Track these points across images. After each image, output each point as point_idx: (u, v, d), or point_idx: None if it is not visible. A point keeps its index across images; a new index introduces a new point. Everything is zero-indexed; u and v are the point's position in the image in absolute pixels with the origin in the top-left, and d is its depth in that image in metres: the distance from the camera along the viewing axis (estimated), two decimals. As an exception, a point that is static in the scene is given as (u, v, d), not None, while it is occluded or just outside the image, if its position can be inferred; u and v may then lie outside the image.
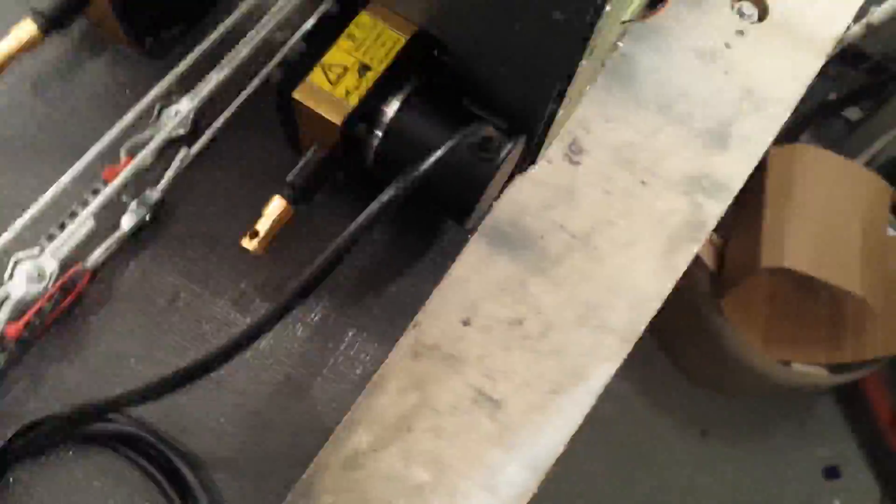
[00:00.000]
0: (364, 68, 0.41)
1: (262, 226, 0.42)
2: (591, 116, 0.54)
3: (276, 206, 0.42)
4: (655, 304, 0.49)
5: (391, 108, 0.41)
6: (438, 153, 0.35)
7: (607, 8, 0.35)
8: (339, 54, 0.42)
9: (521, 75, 0.40)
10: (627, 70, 0.56)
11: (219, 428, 0.43)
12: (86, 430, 0.41)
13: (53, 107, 0.50)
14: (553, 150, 0.53)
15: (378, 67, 0.41)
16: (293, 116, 0.43)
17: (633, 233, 0.51)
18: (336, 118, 0.40)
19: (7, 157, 0.48)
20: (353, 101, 0.41)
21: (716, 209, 0.52)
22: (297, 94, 0.41)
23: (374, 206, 0.34)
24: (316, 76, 0.41)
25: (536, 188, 0.52)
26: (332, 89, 0.41)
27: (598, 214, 0.51)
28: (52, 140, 0.49)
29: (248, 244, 0.42)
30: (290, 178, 0.42)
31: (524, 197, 0.51)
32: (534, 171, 0.52)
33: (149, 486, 0.42)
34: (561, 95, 0.41)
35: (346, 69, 0.41)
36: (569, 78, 0.39)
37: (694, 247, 0.51)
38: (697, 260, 1.19)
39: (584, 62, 0.39)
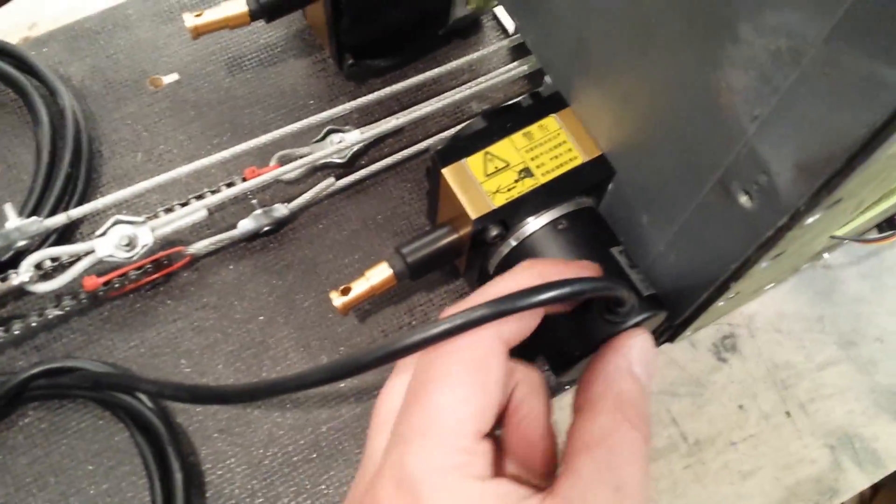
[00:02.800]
0: (525, 172, 0.37)
1: (357, 288, 0.39)
2: (760, 318, 0.47)
3: (379, 272, 0.39)
4: (742, 558, 0.41)
5: (537, 223, 0.37)
6: (555, 293, 0.30)
7: (809, 220, 0.29)
8: (508, 149, 0.38)
9: (685, 248, 0.35)
10: (825, 287, 0.48)
11: (233, 463, 0.40)
12: (108, 396, 0.39)
13: (239, 88, 0.50)
14: (702, 336, 0.46)
15: (540, 178, 0.37)
16: (438, 189, 0.39)
17: (752, 465, 0.43)
18: (472, 212, 0.36)
19: (177, 118, 0.49)
20: (499, 201, 0.37)
21: (858, 482, 0.43)
22: (446, 172, 0.37)
23: (456, 321, 0.29)
24: (474, 161, 0.38)
25: (666, 368, 0.45)
26: (483, 181, 0.37)
27: (721, 428, 0.44)
28: (222, 119, 0.49)
29: (335, 300, 0.39)
30: (404, 249, 0.39)
31: (648, 372, 0.45)
32: (671, 349, 0.46)
33: (142, 475, 0.40)
34: (722, 288, 0.35)
35: (507, 165, 0.37)
36: (735, 274, 0.33)
37: (816, 514, 0.42)
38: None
39: (763, 264, 0.33)
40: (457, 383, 0.28)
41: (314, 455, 0.41)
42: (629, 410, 0.28)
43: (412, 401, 0.28)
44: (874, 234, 0.47)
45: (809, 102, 0.25)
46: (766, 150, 0.28)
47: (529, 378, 0.31)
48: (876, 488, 1.02)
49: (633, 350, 0.30)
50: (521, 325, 0.31)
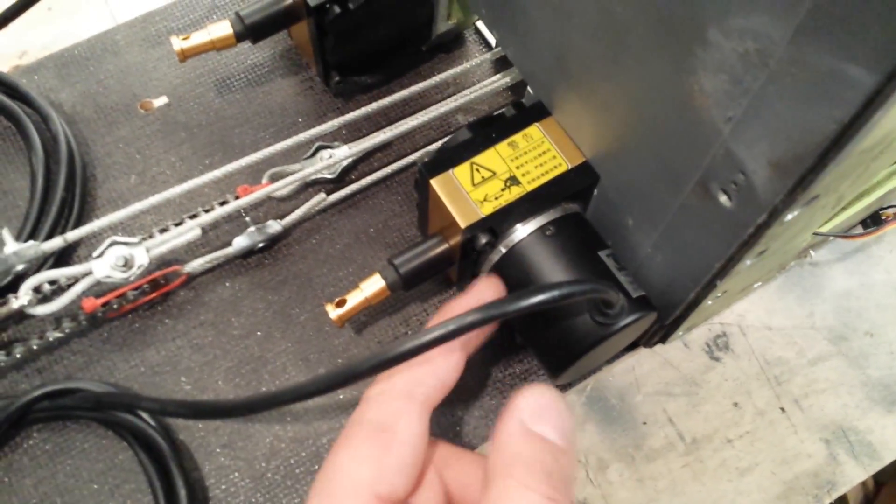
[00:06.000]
0: (512, 181, 0.38)
1: (352, 300, 0.39)
2: (752, 317, 0.48)
3: (372, 283, 0.39)
4: (742, 553, 0.42)
5: (525, 230, 0.38)
6: (542, 297, 0.31)
7: (789, 217, 0.30)
8: (494, 158, 0.39)
9: (670, 249, 0.35)
10: (813, 283, 0.49)
11: (236, 477, 0.41)
12: (110, 415, 0.40)
13: (229, 108, 0.50)
14: (695, 336, 0.47)
15: (527, 186, 0.38)
16: (427, 200, 0.40)
17: (749, 461, 0.44)
18: (462, 221, 0.37)
19: (169, 140, 0.49)
20: (487, 210, 0.37)
21: (854, 474, 0.44)
22: (434, 182, 0.38)
23: (449, 326, 0.30)
24: (461, 171, 0.38)
25: (661, 369, 0.46)
26: (471, 190, 0.38)
27: (717, 425, 0.45)
28: (213, 139, 0.49)
29: (331, 312, 0.39)
30: (396, 261, 0.39)
31: (643, 373, 0.46)
32: (665, 350, 0.46)
33: (146, 492, 0.40)
34: (709, 287, 0.35)
35: (493, 175, 0.38)
36: (720, 273, 0.33)
37: (813, 507, 0.43)
38: (842, 498, 1.05)
39: (747, 261, 0.33)
40: (356, 444, 0.29)
41: (316, 466, 0.41)
42: (521, 473, 0.27)
43: (324, 462, 0.29)
44: (859, 230, 0.47)
45: (779, 102, 0.26)
46: (741, 150, 0.29)
47: (467, 466, 0.31)
48: (879, 485, 1.02)
49: (525, 411, 0.28)
50: (438, 380, 0.31)
